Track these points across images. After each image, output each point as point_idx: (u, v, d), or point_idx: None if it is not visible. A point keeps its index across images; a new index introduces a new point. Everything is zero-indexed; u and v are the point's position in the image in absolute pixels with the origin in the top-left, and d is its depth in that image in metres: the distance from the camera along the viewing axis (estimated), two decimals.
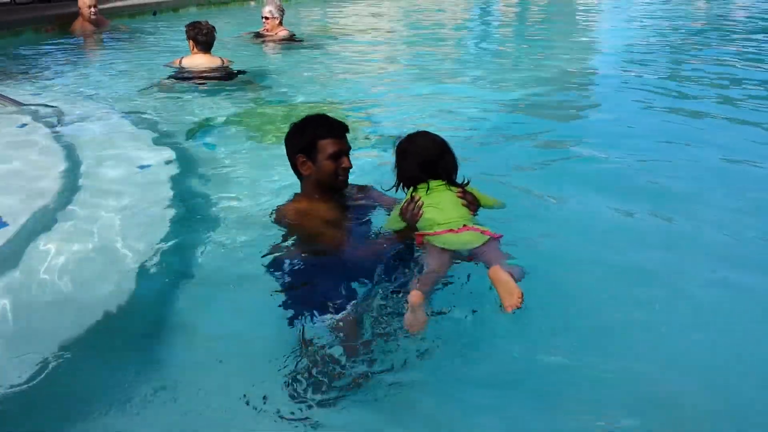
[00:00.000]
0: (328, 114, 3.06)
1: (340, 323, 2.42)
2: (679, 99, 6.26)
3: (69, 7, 10.47)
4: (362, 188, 3.18)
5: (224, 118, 5.47)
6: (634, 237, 3.42)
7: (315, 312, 2.48)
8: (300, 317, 2.50)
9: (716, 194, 3.94)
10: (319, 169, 2.87)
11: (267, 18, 8.92)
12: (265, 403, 2.20)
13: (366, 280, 2.64)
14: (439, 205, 2.65)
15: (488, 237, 2.55)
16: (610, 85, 7.21)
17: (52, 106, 5.47)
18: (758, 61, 8.38)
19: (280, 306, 2.61)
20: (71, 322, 2.56)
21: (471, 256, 2.57)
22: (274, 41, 8.91)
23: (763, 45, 9.78)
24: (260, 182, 4.02)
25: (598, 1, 17.77)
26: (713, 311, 2.81)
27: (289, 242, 2.85)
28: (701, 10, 16.27)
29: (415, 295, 2.31)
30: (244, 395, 2.23)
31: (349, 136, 3.01)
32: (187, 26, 6.61)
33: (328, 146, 2.85)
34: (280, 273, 2.72)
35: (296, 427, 2.13)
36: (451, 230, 2.57)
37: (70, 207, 3.48)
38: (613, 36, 11.94)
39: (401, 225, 2.75)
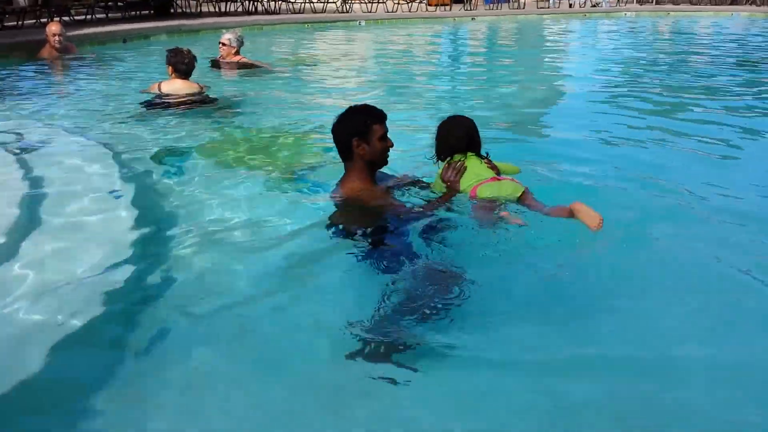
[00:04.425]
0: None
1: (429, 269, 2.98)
2: (638, 128, 6.28)
3: (38, 34, 10.33)
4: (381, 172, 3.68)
5: (199, 144, 5.35)
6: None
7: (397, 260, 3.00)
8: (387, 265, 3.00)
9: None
10: (373, 149, 3.34)
11: (224, 44, 8.81)
12: None
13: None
14: (475, 168, 3.43)
15: (524, 187, 3.30)
16: (574, 110, 7.38)
17: (18, 132, 5.30)
18: (715, 88, 8.65)
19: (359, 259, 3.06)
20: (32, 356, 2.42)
21: (518, 203, 3.28)
22: (231, 68, 8.82)
23: (723, 72, 10.05)
24: (228, 207, 3.94)
25: (565, 32, 18.11)
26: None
27: (356, 214, 3.34)
28: (664, 35, 16.70)
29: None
30: None
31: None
32: (169, 52, 6.55)
33: (378, 129, 3.33)
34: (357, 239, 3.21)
35: None
36: (494, 178, 3.37)
37: (34, 232, 3.34)
38: (579, 62, 12.20)
39: (443, 186, 3.47)
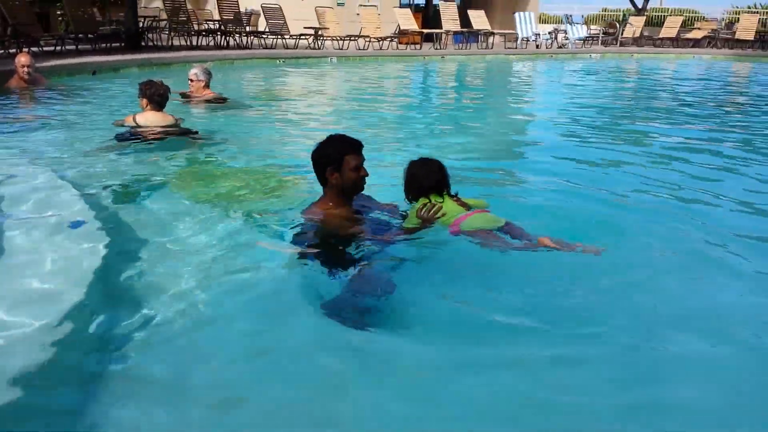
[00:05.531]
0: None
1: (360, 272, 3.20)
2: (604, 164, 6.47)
3: (6, 64, 10.20)
4: (364, 197, 3.87)
5: (173, 176, 5.29)
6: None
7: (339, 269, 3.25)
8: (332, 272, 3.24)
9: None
10: (344, 178, 3.54)
11: (192, 80, 8.79)
12: None
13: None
14: (450, 206, 3.55)
15: (503, 219, 3.52)
16: (541, 146, 7.61)
17: None
18: (677, 123, 9.07)
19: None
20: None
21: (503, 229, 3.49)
22: (200, 102, 8.78)
23: (685, 109, 10.36)
24: (200, 239, 3.90)
25: (532, 72, 18.47)
26: None
27: (318, 234, 3.55)
28: (629, 75, 17.11)
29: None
30: None
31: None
32: (142, 84, 6.46)
33: (351, 160, 3.53)
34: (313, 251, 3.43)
35: None
36: (476, 211, 3.55)
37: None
38: (546, 100, 12.48)
39: (418, 223, 3.54)
